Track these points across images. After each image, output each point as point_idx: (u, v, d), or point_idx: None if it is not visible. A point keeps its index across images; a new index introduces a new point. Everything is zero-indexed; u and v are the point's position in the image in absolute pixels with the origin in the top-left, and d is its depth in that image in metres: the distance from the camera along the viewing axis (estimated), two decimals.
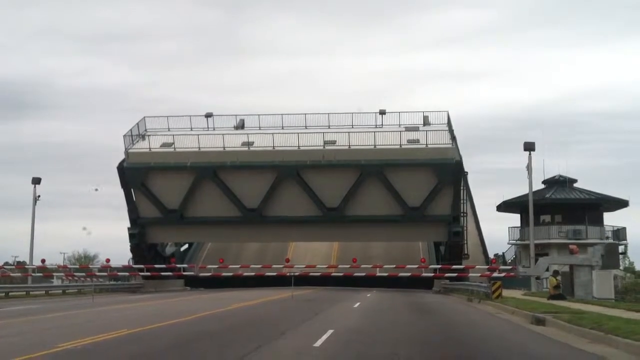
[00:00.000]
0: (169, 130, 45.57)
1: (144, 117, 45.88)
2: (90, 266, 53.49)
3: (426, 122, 47.06)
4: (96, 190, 79.32)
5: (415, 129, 44.45)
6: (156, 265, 43.60)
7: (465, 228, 44.42)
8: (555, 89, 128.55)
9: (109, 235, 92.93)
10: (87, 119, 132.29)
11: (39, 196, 43.75)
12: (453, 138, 42.58)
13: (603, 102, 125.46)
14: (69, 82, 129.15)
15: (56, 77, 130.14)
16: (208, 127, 47.07)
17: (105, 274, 44.35)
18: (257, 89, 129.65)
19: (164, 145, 43.61)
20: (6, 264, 48.96)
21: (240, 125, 50.13)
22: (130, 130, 44.37)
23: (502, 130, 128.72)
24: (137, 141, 44.33)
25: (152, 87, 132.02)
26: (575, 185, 52.55)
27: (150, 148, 43.27)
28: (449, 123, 44.60)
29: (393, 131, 42.35)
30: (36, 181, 43.78)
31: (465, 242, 44.66)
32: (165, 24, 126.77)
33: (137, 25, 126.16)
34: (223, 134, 42.99)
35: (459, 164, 41.87)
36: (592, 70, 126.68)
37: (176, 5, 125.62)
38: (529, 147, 38.68)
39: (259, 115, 48.62)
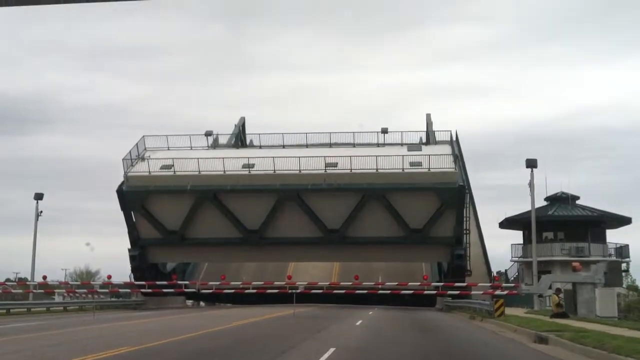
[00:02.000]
0: (168, 149, 45.36)
1: (143, 136, 45.53)
2: (92, 282, 53.26)
3: (430, 137, 46.97)
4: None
5: (417, 148, 44.23)
6: (157, 282, 43.40)
7: (468, 244, 44.11)
8: (558, 105, 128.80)
9: (111, 252, 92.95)
10: (90, 134, 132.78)
11: (41, 212, 43.74)
12: (456, 160, 42.25)
13: (606, 119, 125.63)
14: (72, 97, 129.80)
15: (60, 92, 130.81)
16: (208, 146, 47.06)
17: (106, 290, 44.14)
18: (259, 105, 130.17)
19: (163, 167, 43.17)
20: (7, 280, 48.88)
21: (241, 124, 50.27)
22: (130, 152, 43.71)
23: (504, 146, 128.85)
24: (137, 163, 43.84)
25: (154, 103, 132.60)
26: (577, 202, 52.47)
27: (149, 171, 42.78)
28: (451, 142, 44.51)
29: (395, 155, 41.68)
30: (38, 197, 43.75)
31: (469, 258, 44.42)
32: (168, 40, 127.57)
33: (140, 41, 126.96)
34: (223, 158, 42.36)
35: (462, 188, 41.47)
36: (595, 86, 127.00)
37: (179, 22, 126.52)
38: (531, 164, 38.67)
39: (259, 134, 48.81)
